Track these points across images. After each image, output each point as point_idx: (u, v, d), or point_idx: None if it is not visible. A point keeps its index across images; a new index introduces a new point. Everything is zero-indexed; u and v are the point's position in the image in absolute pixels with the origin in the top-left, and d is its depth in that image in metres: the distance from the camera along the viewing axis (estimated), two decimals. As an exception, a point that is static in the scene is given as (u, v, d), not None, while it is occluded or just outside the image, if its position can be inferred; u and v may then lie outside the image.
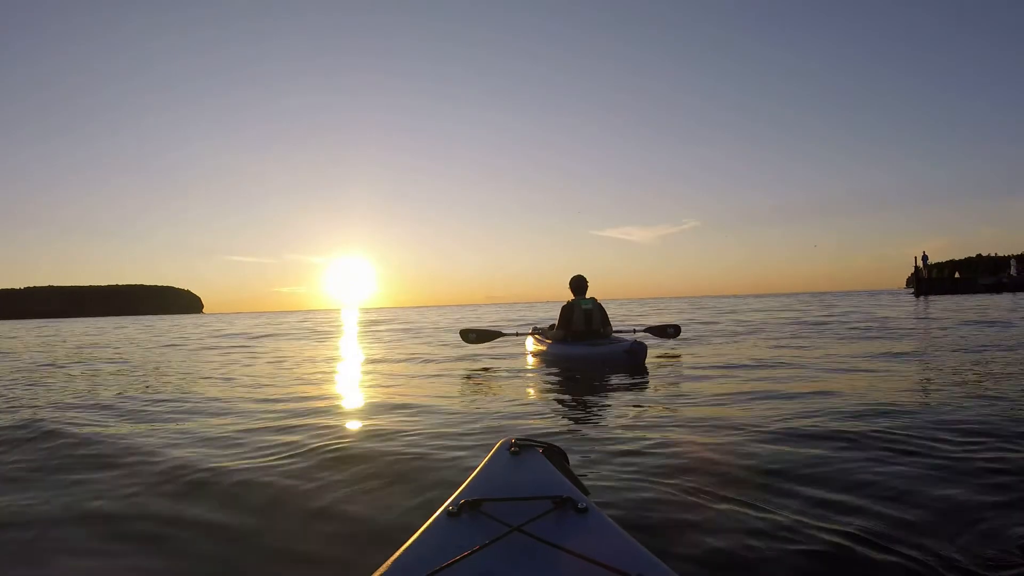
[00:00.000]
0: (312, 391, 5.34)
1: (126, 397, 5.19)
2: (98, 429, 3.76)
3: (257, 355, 9.87)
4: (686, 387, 4.50)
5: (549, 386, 5.21)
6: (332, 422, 3.80)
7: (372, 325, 21.90)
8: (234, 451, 3.10)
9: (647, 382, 4.94)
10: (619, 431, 3.21)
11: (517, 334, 8.85)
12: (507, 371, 6.34)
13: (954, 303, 20.28)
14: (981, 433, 2.85)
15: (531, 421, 3.71)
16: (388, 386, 5.63)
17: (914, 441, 2.74)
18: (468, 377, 5.77)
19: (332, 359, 8.80)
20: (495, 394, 4.80)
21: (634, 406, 3.91)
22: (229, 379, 6.42)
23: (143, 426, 3.87)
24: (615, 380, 5.13)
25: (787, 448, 2.73)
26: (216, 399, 4.91)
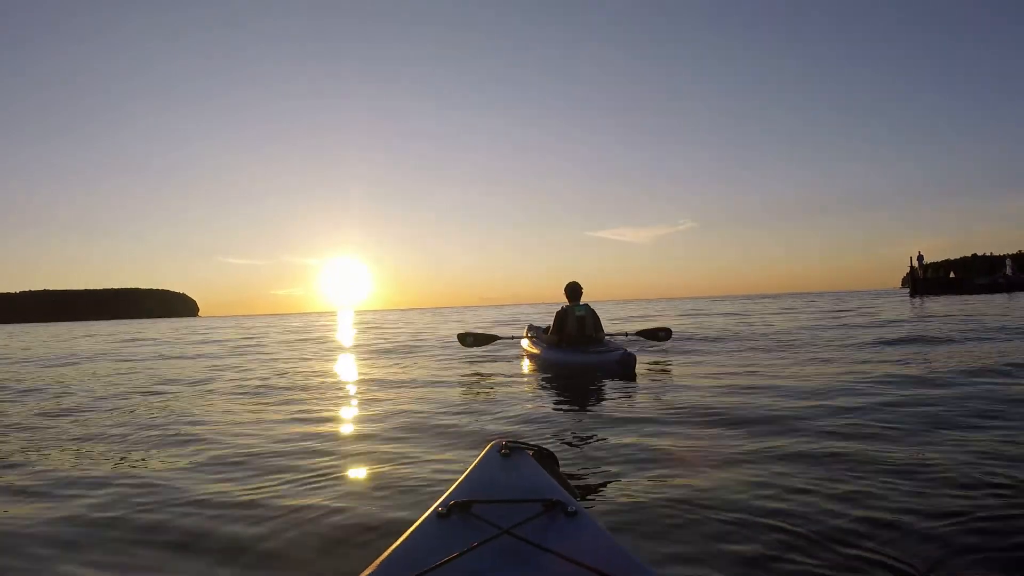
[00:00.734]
0: (303, 396, 5.33)
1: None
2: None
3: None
4: (676, 395, 4.49)
5: (542, 391, 5.21)
6: (323, 427, 3.79)
7: (367, 329, 21.88)
8: (225, 456, 3.09)
9: (638, 390, 4.93)
10: (610, 436, 3.21)
11: (512, 338, 9.05)
12: (503, 375, 6.35)
13: (950, 303, 20.33)
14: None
15: (521, 424, 3.71)
16: (381, 390, 5.62)
17: (904, 452, 2.74)
18: (462, 384, 5.77)
19: (325, 373, 8.79)
20: (488, 398, 4.80)
21: (625, 413, 3.92)
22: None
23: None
24: (607, 386, 5.13)
25: (778, 454, 2.74)
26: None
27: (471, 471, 1.40)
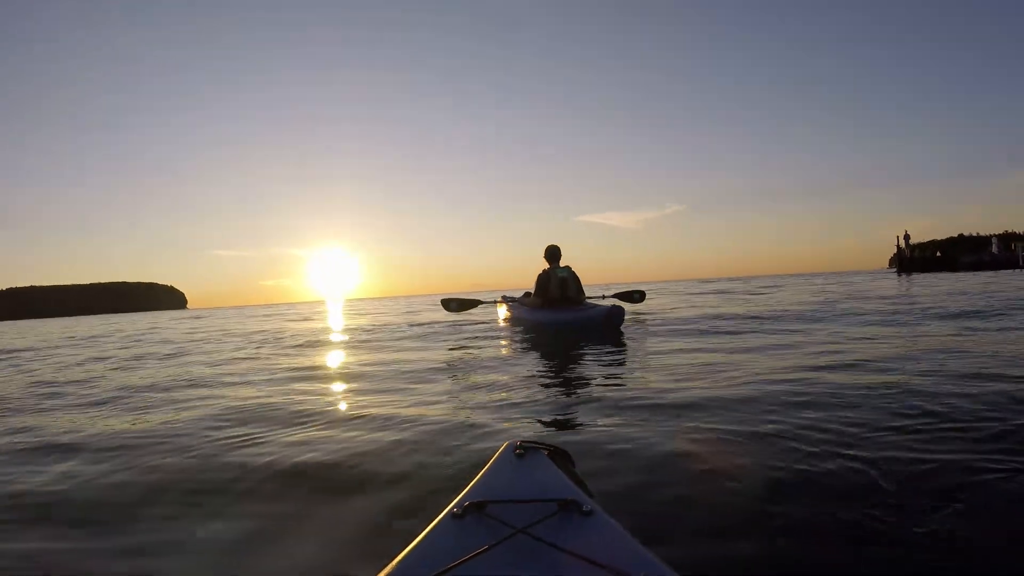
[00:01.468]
0: (292, 388, 5.31)
1: None
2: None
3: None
4: (693, 387, 4.39)
5: (546, 382, 5.18)
6: (320, 425, 3.78)
7: (356, 316, 21.73)
8: (223, 456, 3.08)
9: (655, 382, 4.85)
10: (625, 433, 3.09)
11: (495, 302, 9.69)
12: (496, 360, 6.32)
13: (936, 280, 20.50)
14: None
15: (534, 422, 3.63)
16: (376, 386, 5.61)
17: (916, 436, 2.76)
18: (454, 373, 5.75)
19: (312, 367, 8.74)
20: (488, 390, 4.78)
21: (642, 407, 3.83)
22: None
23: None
24: (618, 374, 5.08)
25: (798, 452, 2.70)
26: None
27: (486, 472, 1.40)
